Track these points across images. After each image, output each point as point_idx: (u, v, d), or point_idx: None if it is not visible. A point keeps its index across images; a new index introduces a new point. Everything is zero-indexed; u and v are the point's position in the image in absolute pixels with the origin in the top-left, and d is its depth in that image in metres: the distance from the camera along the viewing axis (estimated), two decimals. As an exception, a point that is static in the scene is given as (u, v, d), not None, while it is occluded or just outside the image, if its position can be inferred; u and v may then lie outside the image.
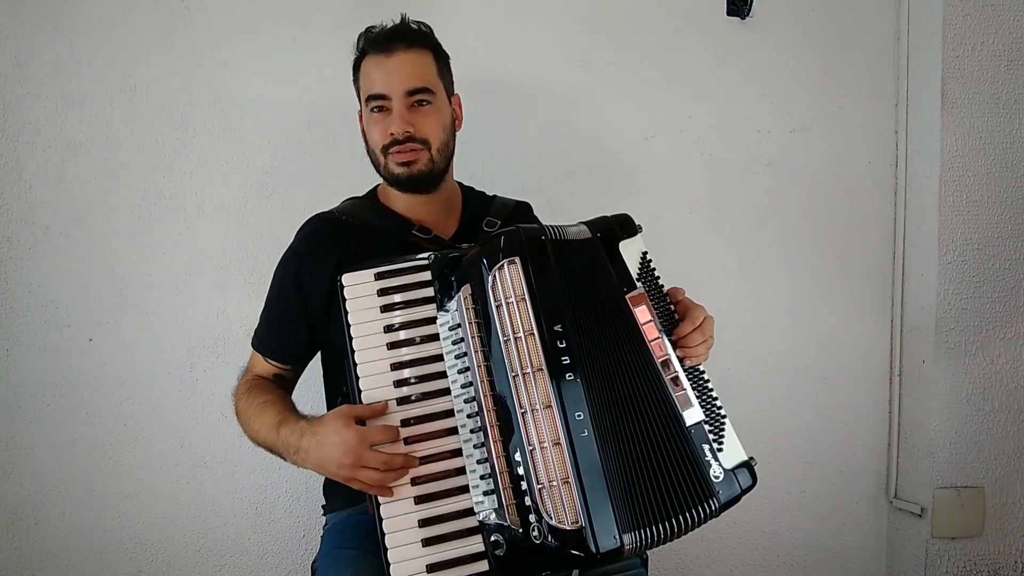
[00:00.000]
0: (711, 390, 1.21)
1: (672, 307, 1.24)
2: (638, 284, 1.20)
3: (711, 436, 1.16)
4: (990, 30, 1.90)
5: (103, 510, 1.74)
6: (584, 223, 1.23)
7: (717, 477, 1.14)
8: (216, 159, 1.75)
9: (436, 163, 1.33)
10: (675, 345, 1.20)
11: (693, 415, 1.16)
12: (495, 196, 1.50)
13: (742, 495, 1.17)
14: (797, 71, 1.97)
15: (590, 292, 1.17)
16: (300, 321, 1.34)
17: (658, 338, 1.18)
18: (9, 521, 1.71)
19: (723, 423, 1.19)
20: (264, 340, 1.38)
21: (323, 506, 1.44)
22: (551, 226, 1.19)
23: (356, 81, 1.36)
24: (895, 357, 2.04)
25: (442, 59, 1.37)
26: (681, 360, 1.19)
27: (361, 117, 1.36)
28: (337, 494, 1.40)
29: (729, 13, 1.92)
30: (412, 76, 1.29)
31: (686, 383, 1.18)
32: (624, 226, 1.25)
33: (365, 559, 1.19)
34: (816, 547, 2.05)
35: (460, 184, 1.48)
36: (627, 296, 1.18)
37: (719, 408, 1.20)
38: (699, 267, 1.96)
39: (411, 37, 1.31)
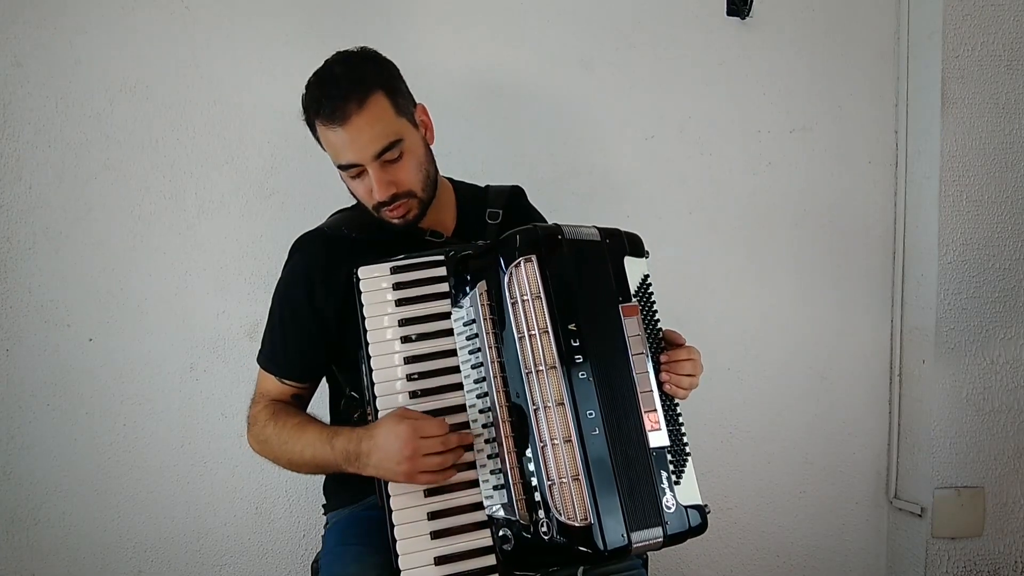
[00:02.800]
0: (681, 424, 1.21)
1: (660, 335, 1.25)
2: (633, 300, 1.21)
3: (671, 467, 1.16)
4: (990, 30, 1.90)
5: (103, 510, 1.74)
6: (596, 227, 1.24)
7: (669, 507, 1.13)
8: (216, 159, 1.75)
9: (425, 200, 1.30)
10: (658, 368, 1.21)
11: (658, 439, 1.16)
12: (488, 186, 1.49)
13: (689, 534, 1.14)
14: (797, 71, 1.97)
15: (597, 293, 1.18)
16: (318, 336, 1.32)
17: (641, 353, 1.18)
18: (9, 521, 1.71)
19: (686, 460, 1.19)
20: (279, 361, 1.33)
21: (323, 505, 1.44)
22: (564, 225, 1.20)
23: (315, 136, 1.28)
24: (895, 357, 2.04)
25: (393, 87, 1.26)
26: (661, 384, 1.20)
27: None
28: (337, 493, 1.40)
29: (729, 13, 1.92)
30: (376, 138, 1.21)
31: (658, 406, 1.18)
32: (633, 243, 1.26)
33: (369, 554, 1.19)
34: (816, 547, 2.05)
35: (449, 179, 1.46)
36: (621, 305, 1.19)
37: (685, 444, 1.20)
38: (699, 267, 1.96)
39: (358, 91, 1.20)
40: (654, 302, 1.25)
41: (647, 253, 1.27)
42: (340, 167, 1.26)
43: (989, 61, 1.91)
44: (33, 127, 1.68)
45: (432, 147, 1.35)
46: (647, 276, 1.25)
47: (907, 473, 2.02)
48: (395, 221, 1.29)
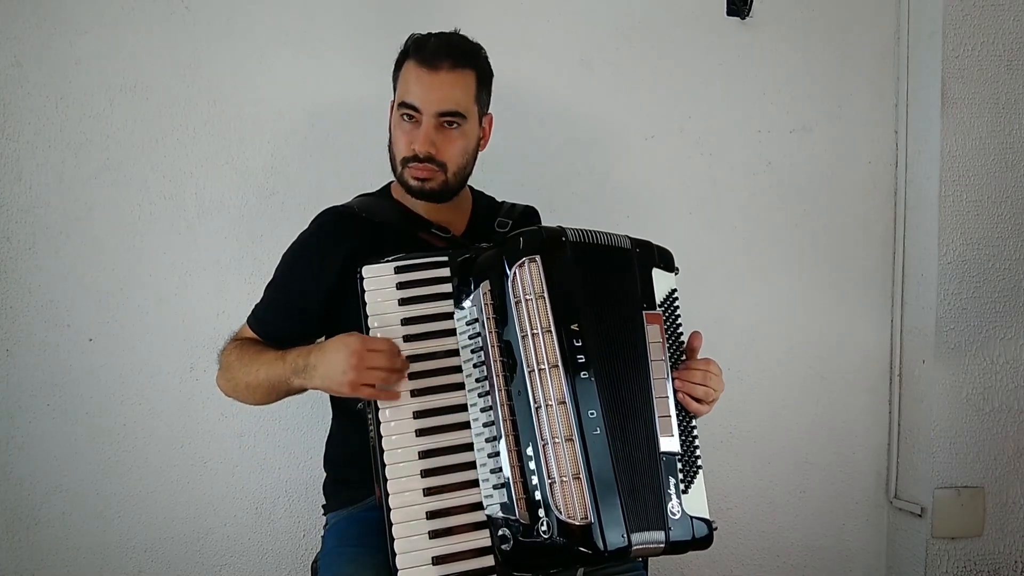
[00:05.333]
0: (695, 438, 1.21)
1: (682, 349, 1.26)
2: (658, 309, 1.22)
3: (681, 474, 1.16)
4: (990, 30, 1.90)
5: (103, 510, 1.74)
6: (628, 236, 1.26)
7: (674, 514, 1.13)
8: (216, 159, 1.75)
9: (450, 184, 1.34)
10: (675, 377, 1.22)
11: (669, 444, 1.16)
12: (504, 201, 1.52)
13: (693, 545, 1.15)
14: (797, 71, 1.97)
15: (611, 296, 1.19)
16: (293, 309, 1.36)
17: (660, 360, 1.19)
18: (9, 521, 1.71)
19: (696, 472, 1.19)
20: (260, 319, 1.39)
21: (323, 506, 1.44)
22: (578, 229, 1.21)
23: (396, 76, 1.36)
24: (895, 357, 2.04)
25: (484, 80, 1.37)
26: (675, 393, 1.20)
27: (392, 109, 1.36)
28: (337, 494, 1.40)
29: (729, 13, 1.92)
30: (448, 99, 1.29)
31: (673, 413, 1.18)
32: (663, 257, 1.28)
33: (367, 555, 1.19)
34: (816, 547, 2.05)
35: (470, 187, 1.49)
36: (644, 312, 1.20)
37: (697, 458, 1.20)
38: (699, 267, 1.96)
39: (459, 55, 1.31)
40: (679, 315, 1.26)
41: (677, 269, 1.28)
42: (401, 104, 1.32)
43: (989, 61, 1.91)
44: (33, 127, 1.68)
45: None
46: (675, 291, 1.26)
47: (907, 473, 2.02)
48: (413, 182, 1.33)
